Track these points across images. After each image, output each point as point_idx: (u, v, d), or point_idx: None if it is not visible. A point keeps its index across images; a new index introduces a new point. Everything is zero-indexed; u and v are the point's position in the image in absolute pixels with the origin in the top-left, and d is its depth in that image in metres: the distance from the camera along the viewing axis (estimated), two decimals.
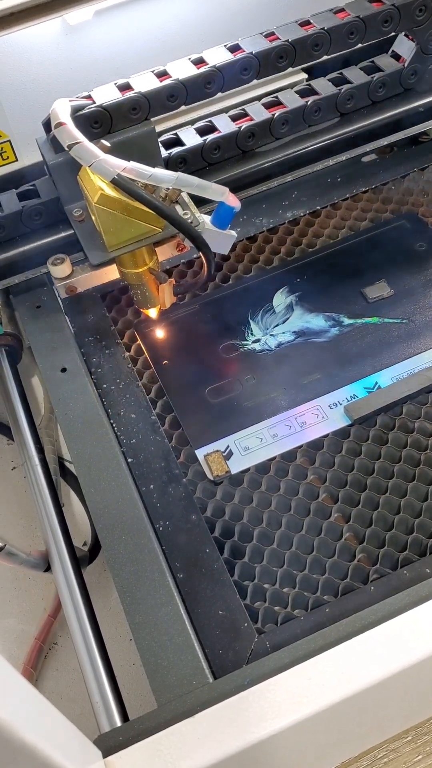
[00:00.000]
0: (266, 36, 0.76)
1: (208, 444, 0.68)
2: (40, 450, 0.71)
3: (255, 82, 0.76)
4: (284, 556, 0.61)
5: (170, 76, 0.72)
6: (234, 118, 0.80)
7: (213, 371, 0.74)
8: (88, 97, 0.71)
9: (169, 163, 0.77)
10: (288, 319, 0.77)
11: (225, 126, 0.80)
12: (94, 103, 0.70)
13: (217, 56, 0.73)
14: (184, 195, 0.63)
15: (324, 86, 0.82)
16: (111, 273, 0.72)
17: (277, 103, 0.81)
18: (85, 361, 0.73)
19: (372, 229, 0.83)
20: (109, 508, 0.61)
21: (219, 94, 0.75)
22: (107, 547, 0.59)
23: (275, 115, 0.79)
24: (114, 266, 0.71)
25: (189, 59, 0.73)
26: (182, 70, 0.72)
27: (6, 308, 0.80)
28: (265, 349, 0.75)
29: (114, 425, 0.69)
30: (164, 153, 0.77)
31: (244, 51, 0.73)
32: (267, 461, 0.66)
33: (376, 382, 0.70)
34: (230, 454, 0.67)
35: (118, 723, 0.52)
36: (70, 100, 0.68)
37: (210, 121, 0.80)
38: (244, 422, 0.70)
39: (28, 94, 0.80)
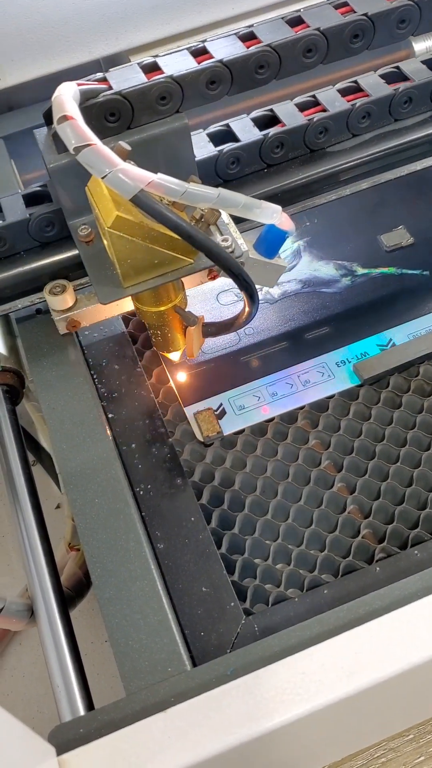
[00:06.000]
0: (337, 7, 0.58)
1: (200, 401, 0.61)
2: (37, 511, 0.58)
3: None
4: (279, 528, 0.54)
5: (211, 56, 0.55)
6: (302, 108, 0.62)
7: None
8: (103, 80, 0.55)
9: (219, 163, 0.60)
10: (295, 266, 0.69)
11: (290, 117, 0.61)
12: (110, 88, 0.54)
13: (273, 32, 0.56)
14: (224, 215, 0.51)
15: (417, 70, 0.63)
16: (124, 304, 0.58)
17: (356, 90, 0.63)
18: None
19: None
20: (82, 467, 0.54)
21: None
22: (77, 512, 0.52)
23: (356, 105, 0.61)
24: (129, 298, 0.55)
25: (236, 34, 0.57)
26: (226, 48, 0.56)
27: (8, 337, 0.65)
28: (267, 298, 0.67)
29: (95, 377, 0.62)
30: (213, 150, 0.60)
31: (308, 26, 0.56)
32: (264, 422, 0.59)
33: (390, 339, 0.63)
34: (223, 413, 0.60)
35: (81, 711, 0.46)
36: (79, 84, 0.52)
37: (271, 110, 0.62)
38: (240, 379, 0.62)
39: None
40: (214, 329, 0.58)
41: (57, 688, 0.47)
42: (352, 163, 0.63)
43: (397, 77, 0.64)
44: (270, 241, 0.52)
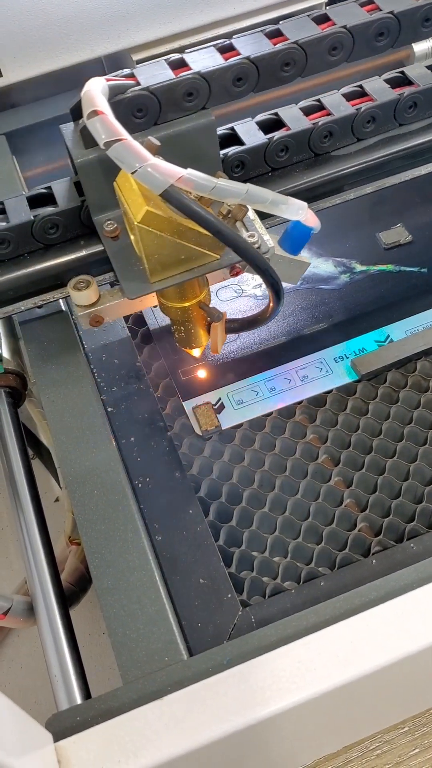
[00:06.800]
0: (362, 4, 0.57)
1: (198, 396, 0.62)
2: (37, 504, 0.58)
3: None
4: (276, 521, 0.54)
5: (238, 53, 0.55)
6: (306, 112, 0.61)
7: None
8: (131, 75, 0.55)
9: (223, 166, 0.60)
10: None
11: (295, 121, 0.60)
12: (138, 84, 0.54)
13: (299, 29, 0.56)
14: (250, 212, 0.51)
15: (422, 75, 0.63)
16: (149, 300, 0.56)
17: (361, 94, 0.63)
18: (66, 298, 0.66)
19: None
20: (81, 459, 0.54)
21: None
22: (77, 504, 0.52)
23: (360, 110, 0.60)
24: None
25: (263, 32, 0.57)
26: (253, 45, 0.56)
27: (11, 339, 0.65)
28: (267, 294, 0.67)
29: (94, 370, 0.62)
30: None
31: (334, 23, 0.56)
32: (262, 417, 0.60)
33: (388, 335, 0.63)
34: (222, 407, 0.61)
35: (79, 701, 0.46)
36: (107, 79, 0.52)
37: (276, 114, 0.62)
38: (239, 373, 0.63)
39: None
40: (237, 325, 0.58)
41: (55, 678, 0.47)
42: (356, 168, 0.63)
43: (401, 82, 0.63)
44: (295, 238, 0.51)
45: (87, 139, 0.54)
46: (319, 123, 0.60)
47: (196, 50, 0.56)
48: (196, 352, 0.60)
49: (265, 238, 0.50)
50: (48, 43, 0.75)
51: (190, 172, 0.45)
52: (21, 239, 0.57)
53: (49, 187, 0.59)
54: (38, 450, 0.73)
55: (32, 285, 0.59)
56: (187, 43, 0.78)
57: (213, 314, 0.54)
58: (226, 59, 0.55)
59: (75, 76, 0.80)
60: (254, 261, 0.48)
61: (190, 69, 0.55)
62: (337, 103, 0.61)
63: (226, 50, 0.56)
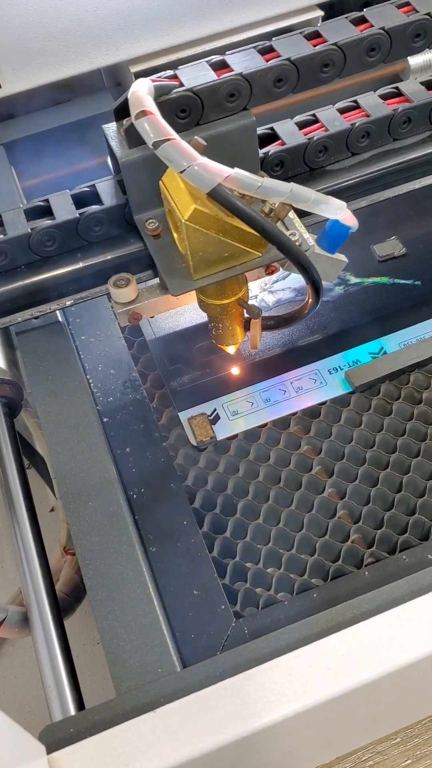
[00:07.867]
0: (400, 6, 0.58)
1: (194, 406, 0.62)
2: (32, 514, 0.58)
3: None
4: (270, 532, 0.55)
5: (278, 54, 0.56)
6: (301, 126, 0.62)
7: (203, 328, 0.67)
8: (174, 77, 0.55)
9: None
10: (289, 275, 0.70)
11: (290, 136, 0.61)
12: (181, 85, 0.54)
13: (337, 31, 0.57)
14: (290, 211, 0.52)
15: (416, 91, 0.63)
16: (186, 297, 0.56)
17: (355, 108, 0.63)
18: (62, 309, 0.66)
19: None
20: (76, 470, 0.55)
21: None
22: (71, 515, 0.52)
23: (355, 125, 0.61)
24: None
25: (301, 34, 0.58)
26: (292, 47, 0.56)
27: (7, 349, 0.65)
28: (261, 306, 0.68)
29: (90, 381, 0.62)
30: None
31: (371, 25, 0.56)
32: (257, 428, 0.60)
33: (382, 348, 0.64)
34: (217, 418, 0.61)
35: (72, 712, 0.46)
36: (153, 80, 0.53)
37: (271, 128, 0.62)
38: (234, 384, 0.63)
39: (14, 2, 0.71)
40: (274, 322, 0.59)
41: (49, 689, 0.47)
42: (351, 182, 0.63)
43: (396, 97, 0.64)
44: (333, 236, 0.52)
45: (131, 138, 0.55)
46: (314, 138, 0.60)
47: (237, 52, 0.57)
48: (231, 350, 0.60)
49: (305, 237, 0.51)
50: (47, 55, 0.76)
51: (237, 172, 0.46)
52: (18, 251, 0.58)
53: (47, 200, 0.59)
54: (34, 459, 0.73)
55: (29, 296, 0.60)
56: (185, 56, 0.78)
57: (252, 311, 0.55)
58: (266, 60, 0.56)
59: (75, 89, 0.81)
60: (297, 258, 0.49)
61: (232, 70, 0.55)
62: (332, 118, 0.62)
63: (266, 52, 0.57)
